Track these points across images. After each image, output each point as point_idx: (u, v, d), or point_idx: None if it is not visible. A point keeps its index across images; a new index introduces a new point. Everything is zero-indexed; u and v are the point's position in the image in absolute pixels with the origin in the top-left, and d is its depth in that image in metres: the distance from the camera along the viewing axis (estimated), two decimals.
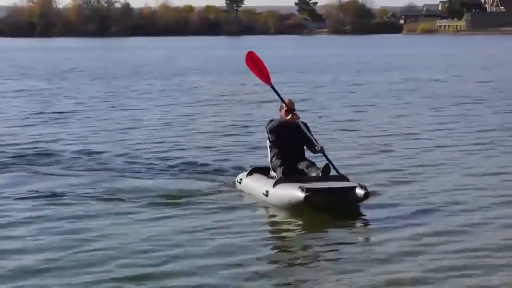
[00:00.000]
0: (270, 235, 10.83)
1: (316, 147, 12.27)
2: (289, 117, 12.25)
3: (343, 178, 11.90)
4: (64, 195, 12.87)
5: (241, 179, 12.82)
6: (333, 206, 11.35)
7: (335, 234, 10.55)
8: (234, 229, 10.72)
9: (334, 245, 10.05)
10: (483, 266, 9.23)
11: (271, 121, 12.51)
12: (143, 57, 70.60)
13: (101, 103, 29.08)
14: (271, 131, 12.34)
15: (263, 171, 12.62)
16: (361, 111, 26.01)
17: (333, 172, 12.18)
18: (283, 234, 10.83)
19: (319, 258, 9.52)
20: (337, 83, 39.18)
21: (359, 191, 11.31)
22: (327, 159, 12.26)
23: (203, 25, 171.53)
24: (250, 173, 12.74)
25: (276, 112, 13.26)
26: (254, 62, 12.86)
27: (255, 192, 12.20)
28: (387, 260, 9.38)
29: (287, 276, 8.92)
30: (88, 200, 12.66)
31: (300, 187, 11.12)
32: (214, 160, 16.20)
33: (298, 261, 9.48)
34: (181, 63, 60.16)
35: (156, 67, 54.59)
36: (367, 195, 11.30)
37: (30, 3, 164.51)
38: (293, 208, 11.36)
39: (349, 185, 11.57)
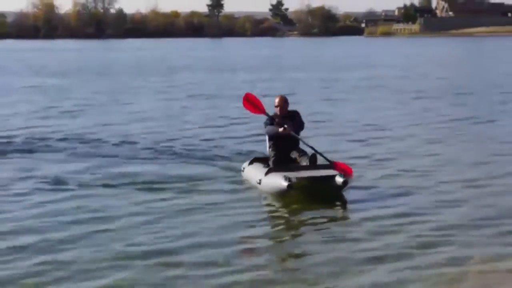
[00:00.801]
0: (264, 221, 10.55)
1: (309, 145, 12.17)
2: (281, 129, 12.01)
3: (328, 166, 11.78)
4: (77, 181, 12.65)
5: (244, 168, 12.70)
6: (316, 192, 11.29)
7: (320, 217, 10.37)
8: (233, 213, 10.61)
9: (319, 226, 9.95)
10: (456, 241, 9.23)
11: (269, 118, 12.36)
12: (139, 56, 70.00)
13: (107, 98, 28.76)
14: (271, 135, 12.28)
15: (264, 160, 12.50)
16: (335, 105, 25.76)
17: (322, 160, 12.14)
18: (277, 220, 10.61)
19: (308, 239, 9.48)
20: (311, 79, 38.81)
21: (339, 179, 11.21)
22: (315, 150, 12.17)
23: (188, 28, 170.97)
24: (251, 163, 12.60)
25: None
26: (250, 102, 12.64)
27: (252, 180, 12.10)
28: (366, 238, 9.32)
29: (281, 256, 8.91)
30: (95, 184, 12.48)
31: (284, 176, 11.11)
32: (223, 150, 15.95)
33: (288, 243, 9.47)
34: (173, 61, 59.65)
35: (152, 65, 54.07)
36: (345, 182, 11.15)
37: (35, 9, 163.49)
38: (283, 195, 11.23)
39: (330, 174, 11.46)
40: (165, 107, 25.32)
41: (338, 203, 11.14)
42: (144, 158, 15.06)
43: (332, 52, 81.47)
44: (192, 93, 30.60)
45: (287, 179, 11.00)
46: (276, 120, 12.23)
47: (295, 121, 12.27)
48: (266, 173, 11.59)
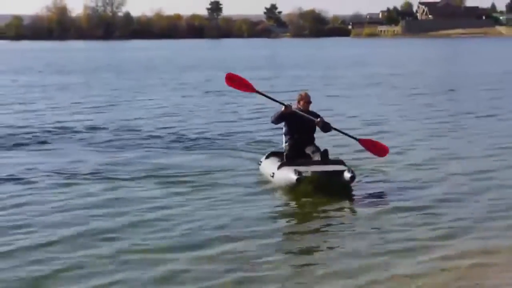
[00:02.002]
0: (278, 214, 10.07)
1: (315, 121, 11.56)
2: (283, 108, 11.49)
3: (338, 162, 11.39)
4: (97, 174, 12.24)
5: (261, 161, 12.28)
6: (324, 186, 10.86)
7: (331, 210, 10.00)
8: (246, 204, 10.31)
9: (332, 220, 9.55)
10: (475, 232, 8.84)
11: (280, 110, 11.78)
12: (147, 56, 69.50)
13: (126, 94, 28.45)
14: (276, 120, 11.74)
15: (280, 155, 12.01)
16: (337, 101, 25.30)
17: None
18: (290, 214, 10.20)
19: (322, 235, 9.02)
20: (310, 77, 38.42)
21: (346, 175, 10.78)
22: (334, 129, 11.72)
23: (189, 30, 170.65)
24: (267, 157, 12.19)
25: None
26: (233, 81, 12.15)
27: (267, 173, 11.72)
28: (381, 232, 8.90)
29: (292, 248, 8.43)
30: (118, 176, 12.06)
31: (294, 170, 10.80)
32: (244, 144, 15.55)
33: (299, 236, 8.97)
34: (180, 60, 59.17)
35: (161, 64, 53.60)
36: (353, 178, 10.76)
37: (49, 12, 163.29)
38: (294, 188, 10.82)
39: (338, 169, 10.99)
40: (182, 103, 25.03)
41: (349, 197, 10.71)
42: (167, 151, 14.72)
43: (324, 51, 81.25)
44: (204, 89, 30.26)
45: (297, 173, 10.71)
46: (294, 115, 11.62)
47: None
48: (279, 167, 11.25)
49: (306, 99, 11.80)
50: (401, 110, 22.12)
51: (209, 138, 16.41)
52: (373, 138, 15.91)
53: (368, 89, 30.38)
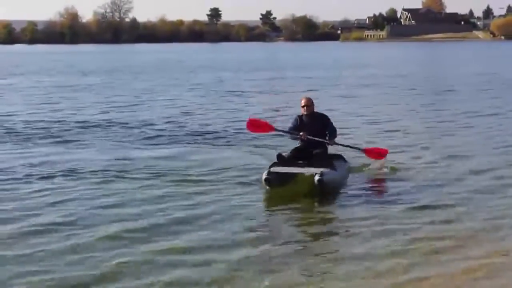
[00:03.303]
0: (283, 215, 9.34)
1: (328, 142, 11.11)
2: (301, 133, 10.96)
3: (325, 165, 10.51)
4: (115, 171, 11.73)
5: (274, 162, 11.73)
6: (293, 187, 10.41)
7: (335, 210, 9.48)
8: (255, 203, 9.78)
9: (326, 216, 9.07)
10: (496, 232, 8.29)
11: (296, 118, 11.37)
12: (157, 58, 68.75)
13: (145, 93, 28.10)
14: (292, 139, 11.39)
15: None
16: (339, 102, 24.60)
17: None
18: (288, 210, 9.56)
19: (325, 233, 8.45)
20: (310, 78, 37.75)
21: (316, 178, 10.07)
22: (342, 145, 11.44)
23: (191, 34, 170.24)
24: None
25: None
26: (255, 126, 11.86)
27: None
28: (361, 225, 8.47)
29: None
30: (136, 175, 11.46)
31: (268, 171, 10.26)
32: (260, 143, 14.86)
33: (311, 238, 8.32)
34: (187, 63, 58.52)
35: (170, 66, 53.03)
36: (320, 181, 10.01)
37: (62, 18, 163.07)
38: (267, 187, 10.25)
39: (311, 172, 10.31)
40: (196, 102, 24.62)
41: (356, 197, 10.02)
42: (185, 149, 14.23)
43: (318, 54, 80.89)
44: (216, 89, 29.83)
45: (267, 173, 10.24)
46: (300, 122, 11.20)
47: (323, 124, 11.20)
48: (269, 167, 10.65)
49: (306, 104, 11.23)
50: (400, 109, 21.66)
51: (224, 137, 15.81)
52: (378, 136, 15.76)
53: (366, 89, 29.90)
